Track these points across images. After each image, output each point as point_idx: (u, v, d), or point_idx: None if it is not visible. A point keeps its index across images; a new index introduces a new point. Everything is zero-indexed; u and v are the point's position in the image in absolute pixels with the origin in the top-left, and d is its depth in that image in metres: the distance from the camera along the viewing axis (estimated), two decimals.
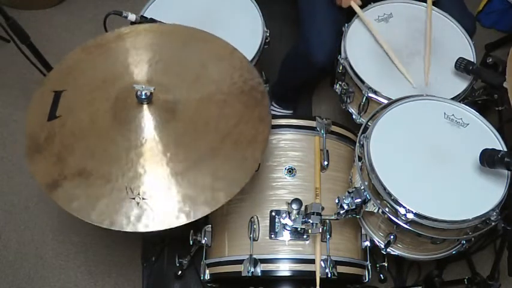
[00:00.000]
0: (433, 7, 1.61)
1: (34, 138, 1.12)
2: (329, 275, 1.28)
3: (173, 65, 1.22)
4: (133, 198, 1.02)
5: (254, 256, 1.30)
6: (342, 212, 1.24)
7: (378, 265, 1.58)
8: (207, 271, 1.43)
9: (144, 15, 1.46)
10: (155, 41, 1.26)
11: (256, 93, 1.18)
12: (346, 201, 1.24)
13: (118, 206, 1.02)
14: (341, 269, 1.32)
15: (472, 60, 1.48)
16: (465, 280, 1.59)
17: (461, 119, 1.31)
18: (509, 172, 1.20)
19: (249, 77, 1.20)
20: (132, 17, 1.39)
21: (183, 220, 1.01)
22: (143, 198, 1.03)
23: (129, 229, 1.00)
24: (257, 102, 1.17)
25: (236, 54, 1.26)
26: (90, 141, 1.10)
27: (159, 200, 1.03)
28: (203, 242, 1.45)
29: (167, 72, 1.20)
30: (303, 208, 1.24)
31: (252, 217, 1.35)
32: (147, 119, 1.10)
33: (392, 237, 1.30)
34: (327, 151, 1.42)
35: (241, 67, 1.22)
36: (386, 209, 1.20)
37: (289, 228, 1.31)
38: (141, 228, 1.01)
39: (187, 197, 1.04)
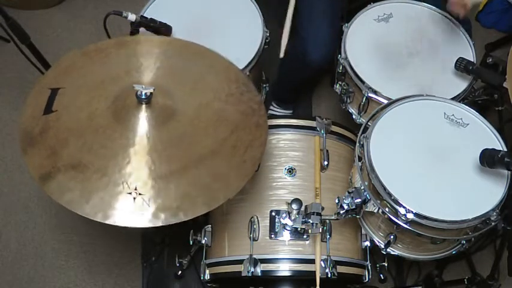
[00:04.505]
0: (433, 7, 1.60)
1: (28, 131, 1.12)
2: (329, 275, 1.28)
3: (172, 72, 1.23)
4: (130, 193, 1.02)
5: (254, 256, 1.30)
6: (342, 212, 1.24)
7: (378, 265, 1.58)
8: (207, 271, 1.43)
9: (144, 15, 1.46)
10: (155, 50, 1.27)
11: (253, 103, 1.20)
12: (346, 201, 1.24)
13: (113, 200, 1.01)
14: (341, 269, 1.32)
15: (472, 60, 1.48)
16: (465, 280, 1.59)
17: (461, 119, 1.31)
18: (509, 172, 1.20)
19: (245, 89, 1.22)
20: (132, 17, 1.39)
21: (180, 218, 1.01)
22: (140, 194, 1.02)
23: (123, 224, 1.00)
24: (254, 111, 1.18)
25: (232, 68, 1.27)
26: (87, 136, 1.10)
27: (157, 197, 1.03)
28: (203, 242, 1.45)
29: (167, 78, 1.21)
30: (303, 208, 1.24)
31: (252, 217, 1.35)
32: (146, 119, 1.10)
33: (392, 237, 1.30)
34: (327, 151, 1.42)
35: (237, 80, 1.24)
36: (387, 209, 1.20)
37: (289, 228, 1.31)
38: (137, 223, 1.00)
39: (185, 195, 1.04)
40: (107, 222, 0.99)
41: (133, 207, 1.01)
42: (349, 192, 1.25)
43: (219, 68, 1.27)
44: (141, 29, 1.43)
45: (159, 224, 1.00)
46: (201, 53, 1.30)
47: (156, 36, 1.39)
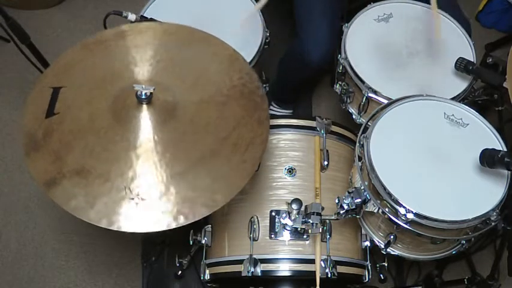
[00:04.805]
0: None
1: (31, 135, 1.11)
2: (329, 275, 1.28)
3: (174, 65, 1.21)
4: (132, 199, 1.02)
5: (254, 256, 1.30)
6: (342, 212, 1.24)
7: (378, 265, 1.58)
8: (207, 271, 1.43)
9: (144, 15, 1.46)
10: (156, 41, 1.26)
11: (255, 97, 1.19)
12: (346, 201, 1.23)
13: (117, 205, 1.01)
14: (341, 269, 1.32)
15: (472, 60, 1.48)
16: (465, 280, 1.59)
17: (461, 119, 1.31)
18: (509, 172, 1.20)
19: (248, 80, 1.20)
20: (132, 17, 1.39)
21: (181, 221, 1.01)
22: (142, 199, 1.02)
23: (127, 229, 1.00)
24: (256, 105, 1.17)
25: (236, 56, 1.25)
26: (89, 139, 1.09)
27: (158, 201, 1.03)
28: (203, 242, 1.45)
29: (167, 72, 1.20)
30: (303, 208, 1.24)
31: (252, 217, 1.35)
32: (147, 119, 1.09)
33: (392, 237, 1.30)
34: (327, 151, 1.42)
35: (240, 70, 1.22)
36: (386, 209, 1.20)
37: (289, 228, 1.31)
38: (140, 228, 1.01)
39: (186, 198, 1.03)
40: (112, 228, 0.99)
41: (136, 212, 1.01)
42: (349, 192, 1.25)
43: (223, 56, 1.25)
44: None
45: (161, 228, 1.00)
46: (205, 40, 1.28)
47: (157, 23, 1.37)
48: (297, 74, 1.86)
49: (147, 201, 1.02)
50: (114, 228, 1.00)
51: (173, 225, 1.01)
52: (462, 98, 1.45)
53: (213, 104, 1.16)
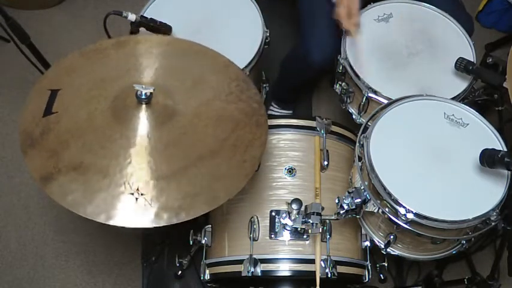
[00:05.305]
0: (433, 7, 1.61)
1: (28, 133, 1.11)
2: (329, 275, 1.28)
3: (172, 71, 1.23)
4: (132, 194, 1.02)
5: (254, 256, 1.30)
6: (342, 212, 1.24)
7: (378, 265, 1.58)
8: (207, 271, 1.43)
9: (144, 15, 1.45)
10: (154, 50, 1.27)
11: (253, 102, 1.20)
12: (346, 201, 1.24)
13: (115, 200, 1.02)
14: (341, 269, 1.32)
15: (472, 60, 1.48)
16: (465, 280, 1.59)
17: (461, 119, 1.31)
18: (509, 172, 1.20)
19: (245, 87, 1.22)
20: (132, 17, 1.39)
21: (182, 217, 1.01)
22: (142, 194, 1.02)
23: (126, 224, 1.00)
24: (254, 110, 1.19)
25: (232, 67, 1.27)
26: (88, 137, 1.10)
27: (158, 197, 1.03)
28: (203, 242, 1.45)
29: (166, 77, 1.21)
30: (303, 208, 1.24)
31: (252, 217, 1.35)
32: (146, 119, 1.10)
33: (392, 237, 1.30)
34: (327, 151, 1.42)
35: (237, 77, 1.24)
36: (386, 209, 1.20)
37: (289, 228, 1.31)
38: (139, 224, 1.01)
39: (186, 195, 1.04)
40: (110, 223, 0.99)
41: (136, 207, 1.01)
42: (349, 192, 1.25)
43: (219, 66, 1.27)
44: (141, 29, 1.43)
45: (162, 224, 1.01)
46: (201, 52, 1.30)
47: (155, 35, 1.39)
48: (299, 75, 1.86)
49: (147, 196, 1.02)
50: (113, 223, 0.99)
51: (174, 221, 1.01)
52: (462, 98, 1.45)
53: (212, 108, 1.17)
